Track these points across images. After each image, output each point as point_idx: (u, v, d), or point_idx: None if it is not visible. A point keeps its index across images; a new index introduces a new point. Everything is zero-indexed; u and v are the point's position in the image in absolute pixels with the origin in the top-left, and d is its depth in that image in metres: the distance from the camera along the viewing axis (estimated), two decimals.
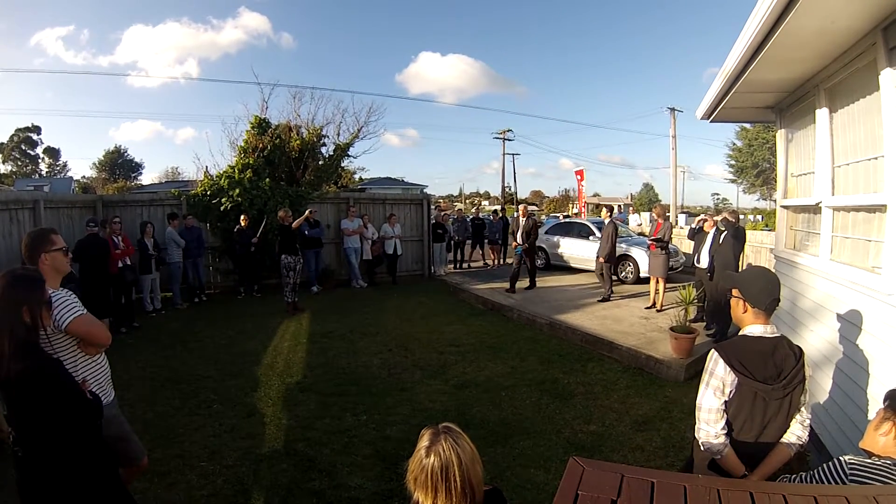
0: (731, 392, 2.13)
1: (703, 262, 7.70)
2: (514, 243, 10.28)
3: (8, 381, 2.10)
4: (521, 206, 11.28)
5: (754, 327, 2.22)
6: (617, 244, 11.93)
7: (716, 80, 4.58)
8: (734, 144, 45.08)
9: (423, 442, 1.60)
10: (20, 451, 2.27)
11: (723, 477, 2.11)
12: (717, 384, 2.14)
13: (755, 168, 42.84)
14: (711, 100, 4.99)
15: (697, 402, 2.20)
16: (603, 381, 5.79)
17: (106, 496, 2.40)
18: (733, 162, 45.50)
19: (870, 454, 1.91)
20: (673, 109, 27.85)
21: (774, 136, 5.92)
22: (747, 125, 39.63)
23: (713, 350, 2.20)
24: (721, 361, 2.13)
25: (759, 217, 36.39)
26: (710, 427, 2.15)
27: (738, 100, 4.84)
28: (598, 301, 9.27)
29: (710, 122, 5.74)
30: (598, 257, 9.69)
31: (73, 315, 2.50)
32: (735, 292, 2.27)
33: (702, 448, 2.19)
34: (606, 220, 9.63)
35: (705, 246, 7.68)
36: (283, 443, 4.38)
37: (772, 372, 2.13)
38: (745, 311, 2.24)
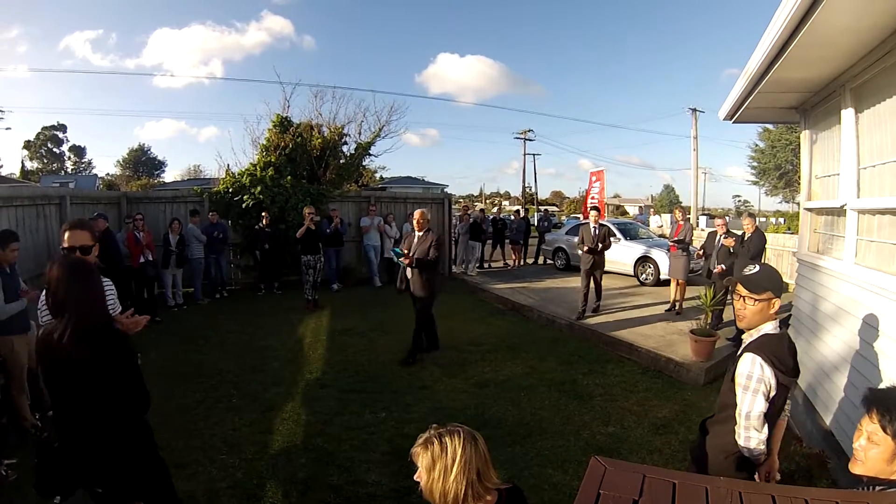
0: (774, 395, 2.14)
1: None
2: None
3: (70, 363, 2.16)
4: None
5: (770, 324, 2.25)
6: (636, 245, 11.97)
7: (739, 80, 4.53)
8: (756, 146, 44.33)
9: (457, 443, 1.51)
10: (55, 437, 2.38)
11: (747, 477, 2.14)
12: (765, 389, 2.13)
13: (778, 170, 42.12)
14: (734, 100, 4.93)
15: (744, 411, 2.15)
16: (622, 383, 5.76)
17: (147, 479, 2.46)
18: (755, 163, 44.74)
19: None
20: (694, 110, 27.60)
21: (798, 138, 5.84)
22: (770, 126, 38.97)
23: (753, 356, 2.16)
24: (766, 366, 2.13)
25: (781, 220, 35.79)
26: (759, 434, 2.15)
27: (761, 100, 4.77)
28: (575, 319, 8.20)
29: (733, 122, 5.67)
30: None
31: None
32: (768, 295, 2.22)
33: (746, 454, 2.18)
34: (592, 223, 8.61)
35: (715, 249, 7.68)
36: (301, 438, 4.43)
37: (791, 364, 2.19)
38: (775, 310, 2.24)
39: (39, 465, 2.42)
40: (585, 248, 8.28)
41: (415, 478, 1.59)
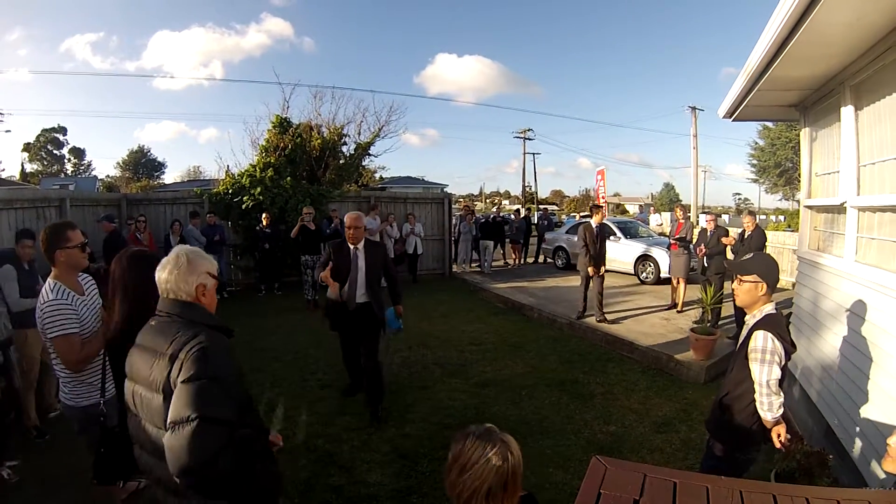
0: (784, 364, 2.46)
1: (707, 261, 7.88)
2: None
3: (129, 334, 2.18)
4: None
5: (769, 306, 2.57)
6: (636, 244, 11.96)
7: (738, 78, 4.52)
8: (756, 143, 44.28)
9: (482, 450, 1.44)
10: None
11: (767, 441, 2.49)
12: (777, 359, 2.43)
13: (778, 167, 42.09)
14: (734, 98, 4.93)
15: (764, 380, 2.43)
16: (623, 382, 5.77)
17: None
18: (755, 161, 44.69)
19: None
20: (694, 108, 27.56)
21: (798, 135, 5.83)
22: (770, 124, 38.94)
23: (764, 332, 2.44)
24: (776, 339, 2.42)
25: (781, 217, 35.74)
26: (778, 397, 2.45)
27: (761, 98, 4.77)
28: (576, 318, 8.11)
29: (733, 120, 5.66)
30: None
31: (56, 332, 2.59)
32: (753, 278, 2.56)
33: (769, 418, 2.46)
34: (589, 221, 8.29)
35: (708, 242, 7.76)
36: (302, 438, 4.43)
37: (790, 339, 2.52)
38: (764, 293, 2.56)
39: (99, 450, 2.54)
40: (586, 250, 7.87)
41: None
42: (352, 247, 4.75)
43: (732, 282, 2.74)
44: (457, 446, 1.49)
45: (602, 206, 9.40)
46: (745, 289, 2.61)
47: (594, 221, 7.99)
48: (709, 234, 7.72)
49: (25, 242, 4.51)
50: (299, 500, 3.57)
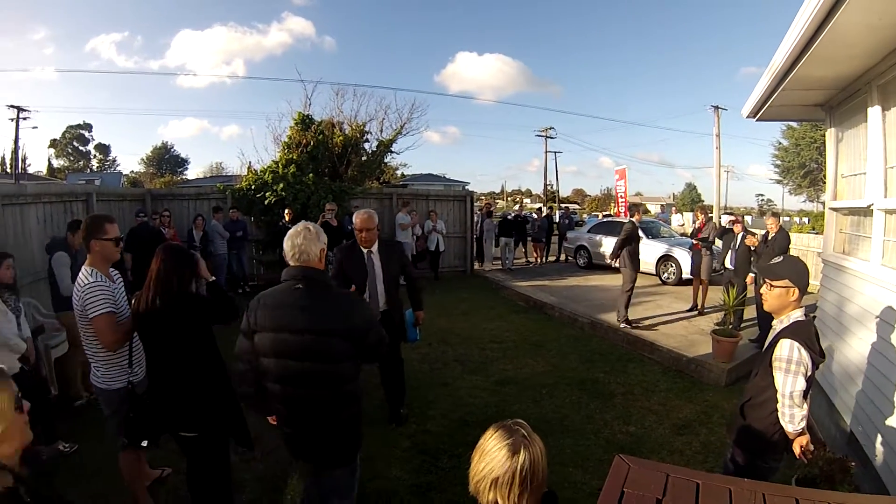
0: (810, 375, 2.36)
1: (729, 262, 7.72)
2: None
3: (155, 313, 2.73)
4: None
5: (797, 312, 2.49)
6: (658, 244, 11.88)
7: (762, 77, 4.48)
8: (780, 144, 43.39)
9: (499, 440, 1.46)
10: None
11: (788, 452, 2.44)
12: (804, 370, 2.34)
13: (802, 168, 41.27)
14: (758, 97, 4.87)
15: (787, 391, 2.36)
16: (643, 383, 5.76)
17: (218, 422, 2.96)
18: (779, 162, 43.84)
19: None
20: (717, 107, 27.14)
21: (823, 136, 5.76)
22: (794, 124, 38.19)
23: (791, 341, 2.36)
24: (803, 349, 2.34)
25: (805, 219, 35.09)
26: (802, 410, 2.37)
27: (785, 97, 4.71)
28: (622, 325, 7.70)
29: (757, 120, 5.61)
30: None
31: (98, 311, 2.82)
32: (785, 283, 2.47)
33: (790, 430, 2.39)
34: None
35: (734, 248, 7.62)
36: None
37: (818, 348, 2.42)
38: (794, 299, 2.47)
39: (129, 413, 3.00)
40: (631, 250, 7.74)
41: None
42: (365, 250, 4.29)
43: (762, 286, 2.66)
44: (484, 435, 1.52)
45: (641, 205, 9.36)
46: (775, 294, 2.51)
47: (635, 219, 8.00)
48: (739, 238, 7.53)
49: (72, 233, 5.09)
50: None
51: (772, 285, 2.52)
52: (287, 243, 2.43)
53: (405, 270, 4.60)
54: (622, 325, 7.57)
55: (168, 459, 3.85)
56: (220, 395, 2.92)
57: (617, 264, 7.94)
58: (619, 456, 1.71)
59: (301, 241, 2.40)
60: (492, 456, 1.43)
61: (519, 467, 1.40)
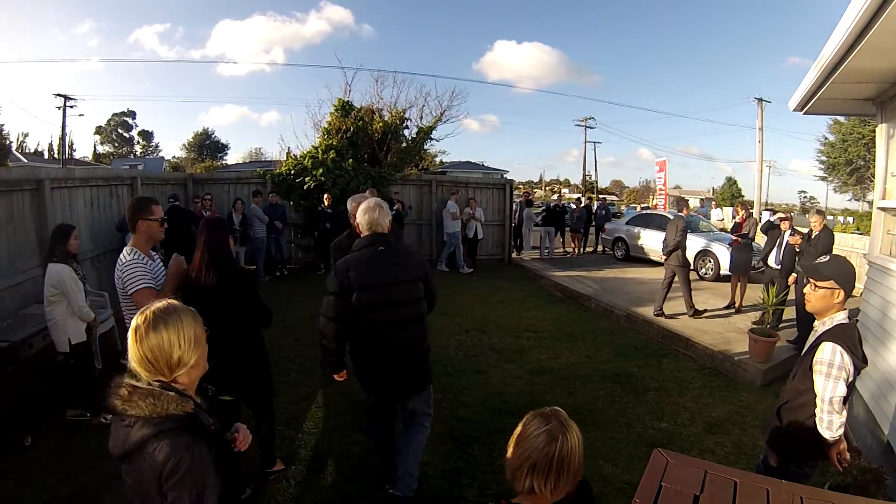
0: (851, 380, 2.30)
1: (772, 261, 7.52)
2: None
3: (207, 288, 2.95)
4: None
5: (841, 314, 2.41)
6: (696, 238, 11.66)
7: (811, 69, 4.35)
8: (826, 139, 41.74)
9: (538, 427, 1.49)
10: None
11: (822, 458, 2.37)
12: (845, 376, 2.27)
13: (848, 165, 39.60)
14: (805, 90, 4.73)
15: (827, 397, 2.29)
16: (677, 379, 5.74)
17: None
18: (824, 158, 42.23)
19: None
20: (760, 100, 26.46)
21: (872, 132, 5.59)
22: (841, 118, 36.79)
23: (833, 345, 2.30)
24: (846, 354, 2.27)
25: (849, 219, 33.80)
26: (841, 417, 2.30)
27: (834, 90, 4.56)
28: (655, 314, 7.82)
29: (804, 114, 5.44)
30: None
31: (136, 286, 2.95)
32: (830, 284, 2.38)
33: (827, 437, 2.32)
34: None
35: (779, 246, 7.44)
36: (356, 415, 4.49)
37: (861, 353, 2.35)
38: (839, 300, 2.39)
39: None
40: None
41: None
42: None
43: (804, 285, 2.59)
44: (522, 421, 1.55)
45: (687, 200, 9.25)
46: (819, 295, 2.42)
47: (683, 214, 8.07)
48: (785, 236, 7.35)
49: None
50: (351, 473, 3.75)
51: (816, 285, 2.43)
52: (364, 217, 3.03)
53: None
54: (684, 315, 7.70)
55: None
56: (265, 360, 3.42)
57: (663, 259, 7.95)
58: (658, 450, 1.74)
59: (377, 215, 3.01)
60: (530, 442, 1.46)
61: (557, 453, 1.43)
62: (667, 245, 7.82)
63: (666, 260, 7.90)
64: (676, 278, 7.80)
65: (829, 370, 2.28)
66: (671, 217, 9.03)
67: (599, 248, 15.73)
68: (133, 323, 1.49)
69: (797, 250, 7.05)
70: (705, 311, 7.84)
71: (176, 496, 1.37)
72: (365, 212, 3.02)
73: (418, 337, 3.10)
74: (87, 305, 4.25)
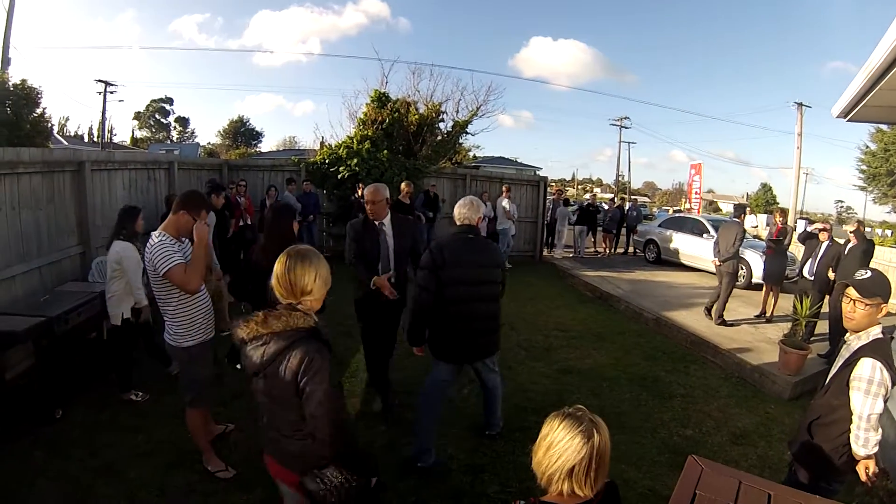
0: (888, 397, 2.27)
1: (808, 271, 7.33)
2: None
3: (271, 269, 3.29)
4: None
5: (876, 328, 2.40)
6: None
7: (858, 75, 4.26)
8: (867, 147, 40.50)
9: (569, 429, 1.50)
10: None
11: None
12: (884, 392, 2.26)
13: (890, 176, 38.38)
14: (851, 97, 4.62)
15: (865, 414, 2.27)
16: (704, 386, 5.71)
17: None
18: (864, 167, 40.96)
19: None
20: (800, 104, 25.84)
21: None
22: (885, 127, 35.63)
23: (873, 361, 2.28)
24: (885, 370, 2.27)
25: (888, 232, 32.77)
26: (876, 434, 2.28)
27: (881, 98, 4.44)
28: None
29: (847, 121, 5.33)
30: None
31: (169, 265, 3.06)
32: (877, 300, 2.36)
33: (861, 454, 2.30)
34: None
35: (815, 256, 7.25)
36: (382, 405, 4.60)
37: None
38: (882, 315, 2.38)
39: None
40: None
41: None
42: (377, 223, 4.27)
43: (838, 298, 2.59)
44: (547, 425, 1.55)
45: (746, 205, 9.11)
46: (864, 312, 2.37)
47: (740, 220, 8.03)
48: (823, 246, 7.18)
49: (216, 195, 6.42)
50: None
51: (864, 303, 2.38)
52: (458, 210, 3.68)
53: (415, 247, 4.46)
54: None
55: (230, 416, 4.24)
56: None
57: (717, 264, 7.91)
58: (693, 457, 1.76)
59: (467, 210, 3.66)
60: (565, 446, 1.47)
61: (596, 452, 1.47)
62: (722, 252, 7.72)
63: (719, 266, 7.82)
64: (722, 283, 7.74)
65: (869, 387, 2.26)
66: (726, 222, 8.91)
67: (630, 249, 15.61)
68: (284, 254, 2.00)
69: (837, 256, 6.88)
70: (732, 324, 7.73)
71: (312, 387, 1.86)
72: (459, 207, 3.69)
73: (494, 312, 3.78)
74: (143, 287, 4.37)
